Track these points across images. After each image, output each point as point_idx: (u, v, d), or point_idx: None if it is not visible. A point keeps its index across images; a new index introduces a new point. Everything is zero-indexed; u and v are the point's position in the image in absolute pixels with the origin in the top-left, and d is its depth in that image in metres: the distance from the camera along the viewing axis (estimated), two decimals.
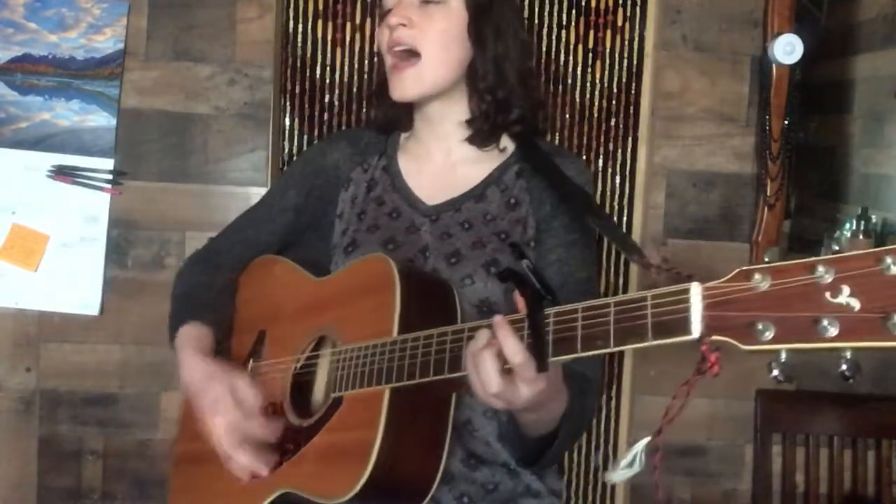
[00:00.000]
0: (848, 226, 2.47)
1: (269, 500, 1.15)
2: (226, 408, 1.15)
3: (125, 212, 2.04)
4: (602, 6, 2.16)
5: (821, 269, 0.67)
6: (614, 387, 2.22)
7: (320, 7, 2.13)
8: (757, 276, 0.70)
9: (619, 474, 0.83)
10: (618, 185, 2.20)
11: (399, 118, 1.32)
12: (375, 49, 1.32)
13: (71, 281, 2.04)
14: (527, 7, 2.16)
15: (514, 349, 0.87)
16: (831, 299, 0.67)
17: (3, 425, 2.09)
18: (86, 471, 2.10)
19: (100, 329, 2.06)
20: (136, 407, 2.08)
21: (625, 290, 2.22)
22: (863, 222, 2.43)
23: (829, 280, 0.67)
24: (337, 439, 1.10)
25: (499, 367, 0.89)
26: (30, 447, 2.09)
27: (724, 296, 0.72)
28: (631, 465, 0.83)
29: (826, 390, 2.13)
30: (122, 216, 2.05)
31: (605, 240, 2.21)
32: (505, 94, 1.24)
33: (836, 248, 0.69)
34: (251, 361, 1.34)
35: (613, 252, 2.22)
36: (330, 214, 1.32)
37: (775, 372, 0.72)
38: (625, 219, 2.21)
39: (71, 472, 2.10)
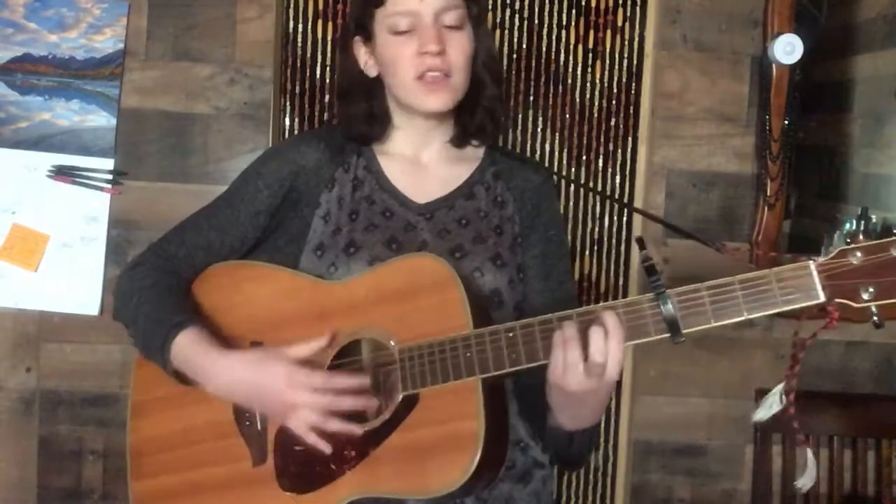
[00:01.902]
0: (848, 226, 2.47)
1: None
2: (303, 377, 1.13)
3: (125, 212, 2.05)
4: (602, 6, 2.16)
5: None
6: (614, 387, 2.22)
7: (320, 7, 2.14)
8: (858, 254, 0.97)
9: (764, 412, 1.08)
10: (618, 185, 2.20)
11: (374, 132, 1.32)
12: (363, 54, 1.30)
13: (71, 281, 2.04)
14: (527, 7, 2.16)
15: (618, 325, 1.03)
16: None
17: (3, 425, 2.09)
18: (86, 471, 2.10)
19: (100, 329, 2.06)
20: None
21: (625, 290, 2.22)
22: (863, 222, 2.43)
23: None
24: (423, 435, 1.11)
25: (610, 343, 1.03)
26: (30, 447, 2.09)
27: (834, 269, 0.98)
28: (772, 405, 1.07)
29: (826, 390, 2.13)
30: (122, 216, 2.05)
31: (605, 241, 2.22)
32: (494, 103, 1.32)
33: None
34: None
35: (613, 253, 2.22)
36: (306, 216, 1.29)
37: (875, 318, 0.99)
38: (624, 219, 2.21)
39: (71, 472, 2.10)
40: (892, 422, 2.10)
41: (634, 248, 2.19)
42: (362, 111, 1.31)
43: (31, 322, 2.07)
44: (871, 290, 0.98)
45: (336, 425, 1.13)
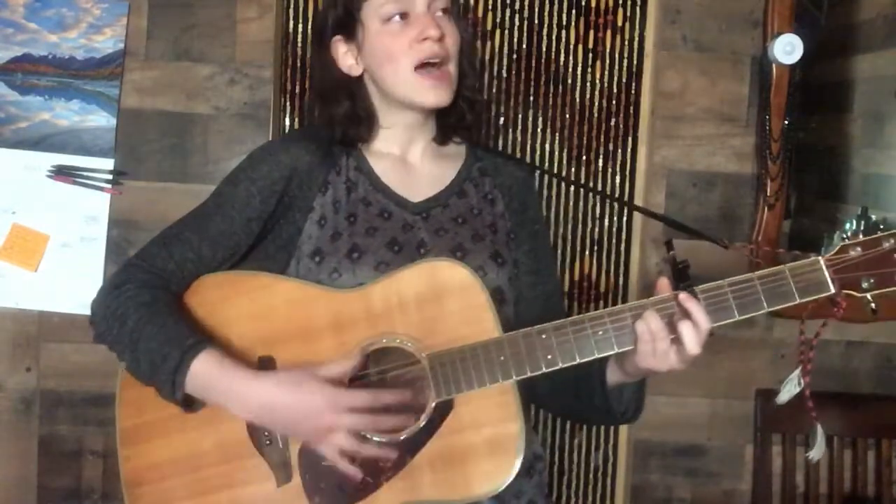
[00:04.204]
0: (848, 226, 2.47)
1: None
2: (347, 398, 1.11)
3: (125, 212, 2.05)
4: (602, 6, 2.16)
5: (892, 240, 1.10)
6: None
7: (320, 7, 2.13)
8: (857, 249, 1.10)
9: (786, 395, 1.19)
10: (618, 185, 2.20)
11: (360, 134, 1.27)
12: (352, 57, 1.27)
13: (71, 281, 2.04)
14: (527, 7, 2.16)
15: (705, 317, 1.11)
16: None
17: (3, 425, 2.09)
18: (86, 471, 2.10)
19: None
20: None
21: (625, 290, 2.22)
22: (863, 222, 2.43)
23: None
24: (462, 440, 1.13)
25: (699, 334, 1.11)
26: (30, 447, 2.09)
27: (839, 263, 1.11)
28: (791, 388, 1.18)
29: (826, 390, 2.13)
30: (122, 216, 2.05)
31: (605, 241, 2.22)
32: (474, 94, 1.31)
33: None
34: None
35: (613, 253, 2.22)
36: (298, 221, 1.24)
37: (872, 306, 1.11)
38: (625, 219, 2.21)
39: (71, 472, 2.10)
40: (892, 422, 2.10)
41: (634, 248, 2.19)
42: (346, 112, 1.26)
43: (31, 322, 2.07)
44: (870, 280, 1.10)
45: (372, 450, 1.13)
